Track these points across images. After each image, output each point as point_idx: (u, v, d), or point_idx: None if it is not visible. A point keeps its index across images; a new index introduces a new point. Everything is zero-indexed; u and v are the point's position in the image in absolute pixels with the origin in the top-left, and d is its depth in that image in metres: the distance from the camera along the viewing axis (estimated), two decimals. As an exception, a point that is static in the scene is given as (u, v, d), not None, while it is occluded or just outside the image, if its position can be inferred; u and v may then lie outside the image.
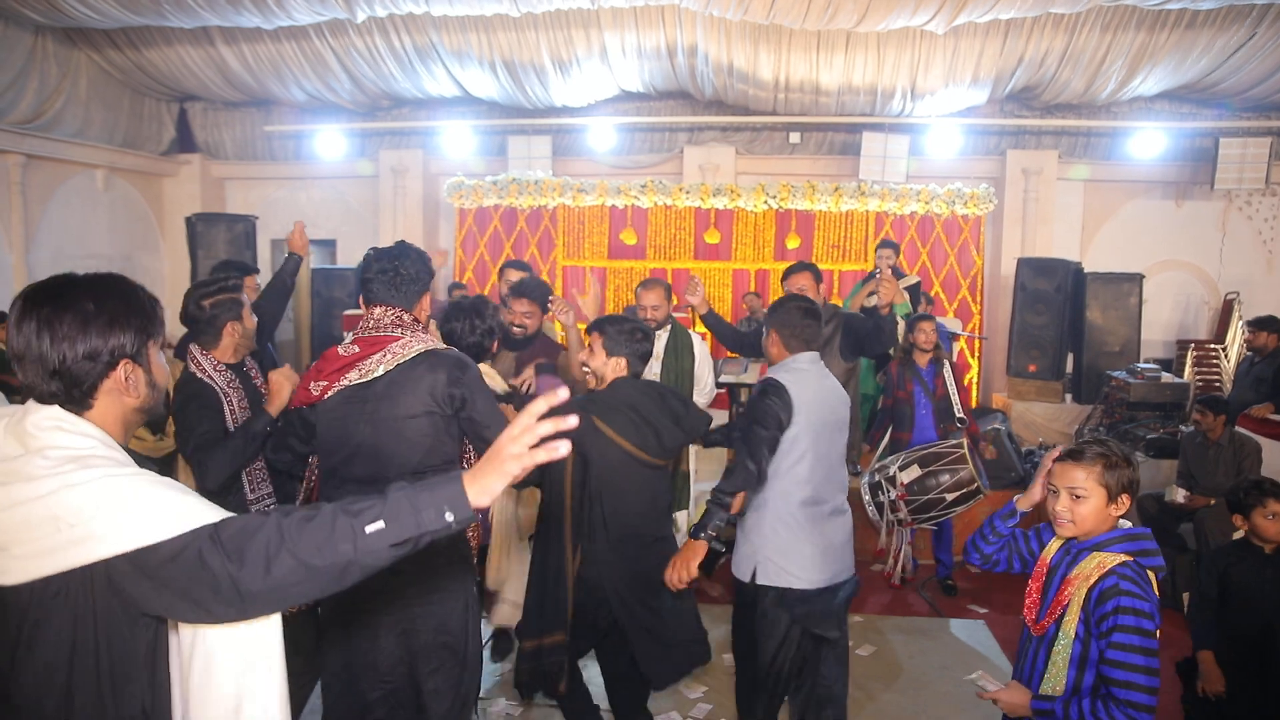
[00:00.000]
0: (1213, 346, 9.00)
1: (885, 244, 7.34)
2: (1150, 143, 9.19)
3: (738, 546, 3.27)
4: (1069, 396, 8.31)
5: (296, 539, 1.35)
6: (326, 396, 2.58)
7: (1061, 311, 8.18)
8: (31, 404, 1.46)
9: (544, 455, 1.39)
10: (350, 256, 10.42)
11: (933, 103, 9.10)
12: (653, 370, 4.53)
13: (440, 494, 1.39)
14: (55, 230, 9.13)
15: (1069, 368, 8.40)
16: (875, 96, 9.05)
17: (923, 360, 5.55)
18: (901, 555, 5.65)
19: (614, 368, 3.14)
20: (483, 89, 9.56)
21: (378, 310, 2.63)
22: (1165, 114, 9.34)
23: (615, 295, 9.32)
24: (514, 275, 4.86)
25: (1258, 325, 6.64)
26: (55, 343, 1.43)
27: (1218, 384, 8.63)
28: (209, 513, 1.40)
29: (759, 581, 3.14)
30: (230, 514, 1.42)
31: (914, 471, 5.14)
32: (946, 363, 5.61)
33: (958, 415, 5.48)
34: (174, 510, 1.37)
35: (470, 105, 9.99)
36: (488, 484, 1.40)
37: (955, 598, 5.57)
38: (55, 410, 1.45)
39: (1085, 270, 8.37)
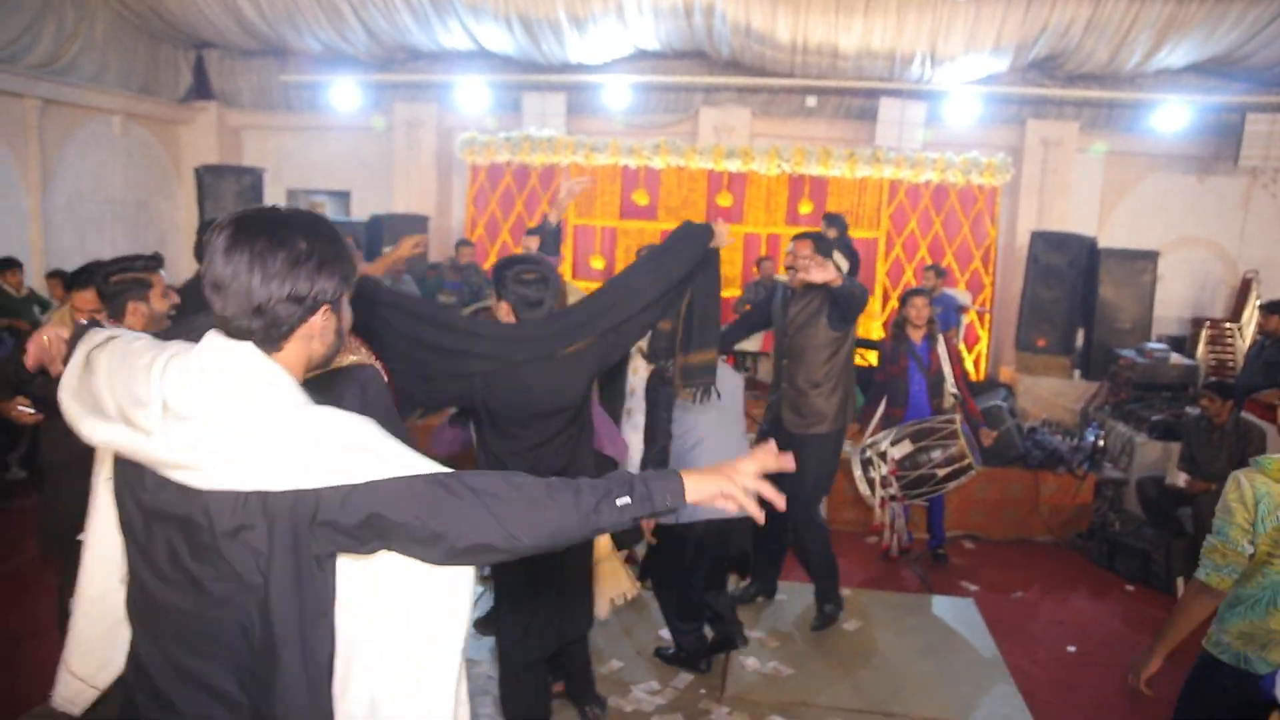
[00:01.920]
0: (1228, 325, 8.91)
1: (831, 219, 7.27)
2: (1174, 116, 9.01)
3: None
4: (1077, 373, 8.27)
5: (532, 499, 1.42)
6: None
7: (1074, 287, 8.12)
8: (217, 338, 1.41)
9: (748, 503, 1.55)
10: (364, 209, 10.45)
11: (952, 69, 8.95)
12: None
13: (670, 482, 1.50)
14: (72, 175, 9.20)
15: (1079, 343, 8.36)
16: (894, 61, 8.91)
17: (917, 335, 5.49)
18: (896, 528, 5.69)
19: (504, 312, 3.01)
20: (498, 43, 9.47)
21: None
22: (1191, 87, 9.14)
23: (625, 256, 9.31)
24: (532, 243, 4.83)
25: (1270, 309, 6.58)
26: (265, 280, 1.37)
27: (1231, 364, 8.56)
28: (428, 464, 1.42)
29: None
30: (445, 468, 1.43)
31: (905, 447, 5.17)
32: (941, 337, 5.56)
33: (951, 391, 5.45)
34: (397, 454, 1.39)
35: (485, 60, 9.91)
36: (702, 487, 1.52)
37: (946, 572, 5.63)
38: (249, 347, 1.39)
39: (1100, 246, 8.28)
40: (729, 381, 4.08)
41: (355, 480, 1.34)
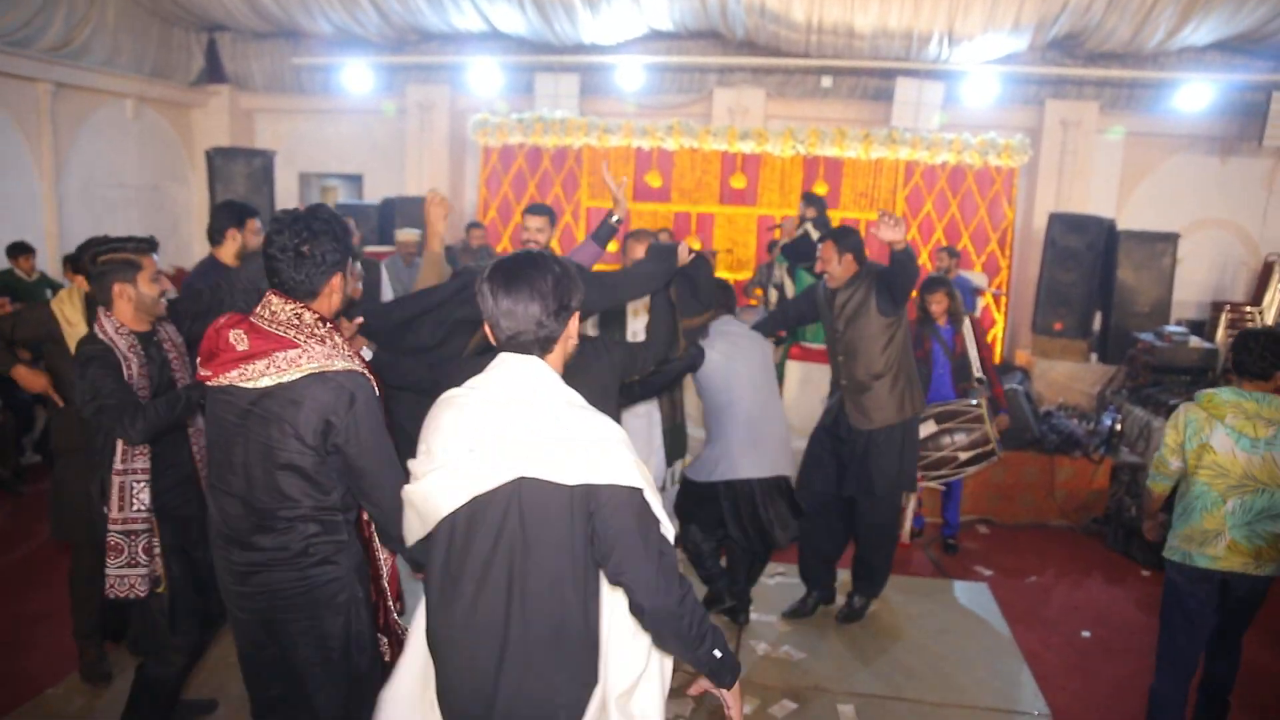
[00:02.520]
0: (1249, 309, 8.78)
1: (809, 199, 7.29)
2: (1196, 96, 8.85)
3: None
4: (1094, 356, 8.18)
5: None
6: (211, 384, 2.26)
7: (1092, 269, 8.01)
8: (511, 356, 1.86)
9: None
10: (376, 192, 10.43)
11: (970, 49, 8.82)
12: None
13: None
14: (85, 159, 9.21)
15: (1096, 327, 8.26)
16: (911, 41, 8.79)
17: (941, 319, 5.46)
18: (910, 510, 5.64)
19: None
20: (510, 24, 9.41)
21: (275, 301, 2.23)
22: (1216, 65, 8.97)
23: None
24: (531, 220, 4.80)
25: (1292, 292, 6.46)
26: (544, 307, 1.82)
27: (1251, 348, 8.42)
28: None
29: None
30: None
31: (930, 427, 5.12)
32: (968, 320, 5.51)
33: (976, 375, 5.40)
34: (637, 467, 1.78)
35: (498, 41, 9.85)
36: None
37: (959, 558, 5.59)
38: (537, 360, 1.85)
39: (1119, 228, 8.16)
40: (757, 346, 4.26)
41: (619, 482, 1.73)
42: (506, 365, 1.84)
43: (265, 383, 2.15)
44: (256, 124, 11.07)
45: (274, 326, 2.20)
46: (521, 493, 1.73)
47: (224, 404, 2.23)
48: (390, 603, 2.52)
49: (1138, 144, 9.53)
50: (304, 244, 2.20)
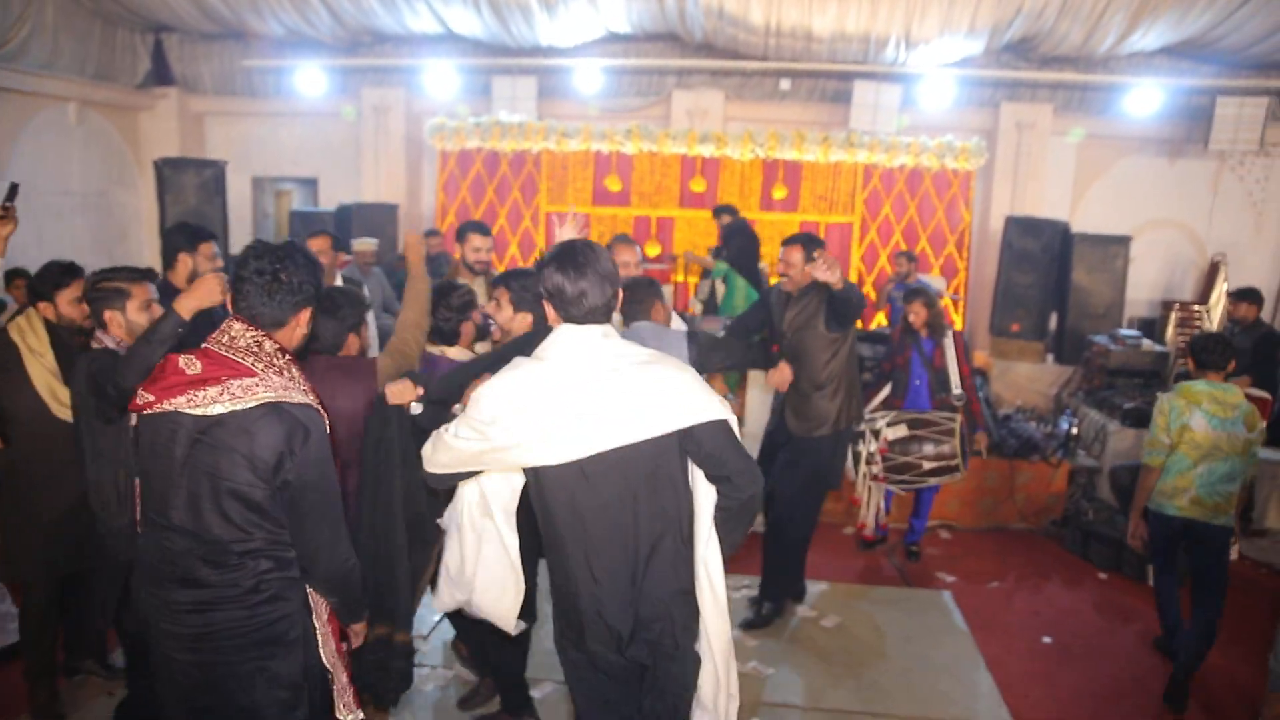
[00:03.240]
0: (1197, 308, 8.97)
1: (721, 209, 7.74)
2: (1146, 100, 9.00)
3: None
4: (1050, 357, 8.31)
5: None
6: (147, 413, 2.15)
7: (1048, 272, 8.13)
8: (582, 327, 2.20)
9: None
10: (331, 197, 10.24)
11: (927, 52, 8.88)
12: None
13: None
14: (27, 166, 8.89)
15: (1052, 327, 8.38)
16: (868, 44, 8.83)
17: (922, 330, 5.47)
18: (876, 507, 5.62)
19: (520, 323, 3.32)
20: (466, 26, 9.28)
21: (236, 326, 2.18)
22: (1164, 70, 9.13)
23: (599, 242, 9.19)
24: (476, 240, 4.75)
25: (1239, 296, 6.60)
26: (605, 287, 2.20)
27: (1200, 346, 8.60)
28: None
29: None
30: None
31: (901, 430, 5.16)
32: (950, 334, 5.52)
33: (955, 391, 5.42)
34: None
35: (454, 43, 9.71)
36: None
37: (922, 564, 5.63)
38: (607, 326, 2.24)
39: (1074, 231, 8.29)
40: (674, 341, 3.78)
41: (711, 418, 2.17)
42: (583, 334, 2.20)
43: (217, 410, 2.07)
44: (207, 127, 10.79)
45: (230, 352, 2.14)
46: (635, 445, 2.14)
47: (166, 432, 2.12)
48: (335, 640, 2.38)
49: (1091, 146, 9.68)
50: (282, 270, 2.19)
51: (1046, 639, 4.74)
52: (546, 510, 2.26)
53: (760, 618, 4.63)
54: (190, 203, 7.39)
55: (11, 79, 8.49)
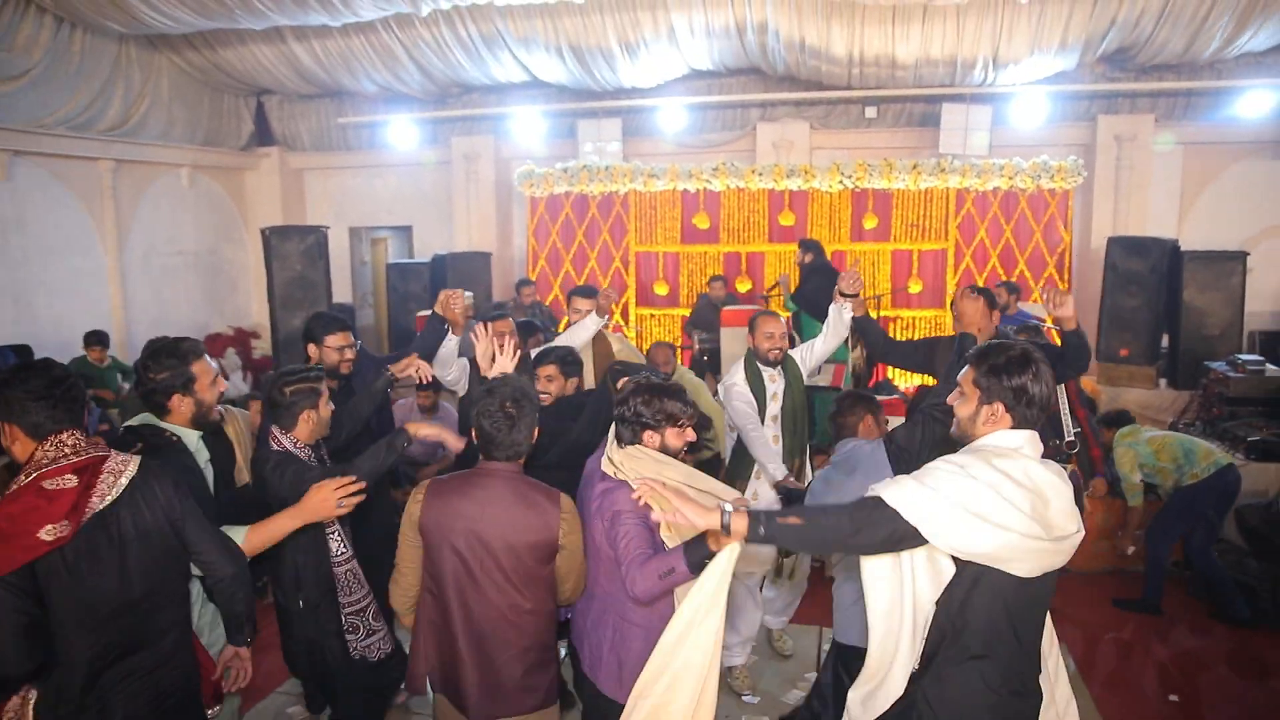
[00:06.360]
0: (1324, 318, 8.46)
1: (806, 244, 7.55)
2: (1258, 101, 8.55)
3: None
4: (1163, 381, 7.94)
5: None
6: (74, 537, 2.17)
7: (1156, 292, 7.77)
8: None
9: None
10: (425, 245, 10.57)
11: (1017, 71, 8.64)
12: (771, 412, 4.29)
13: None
14: (145, 230, 9.48)
15: (1164, 350, 8.01)
16: (955, 67, 8.64)
17: None
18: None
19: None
20: (550, 74, 9.47)
21: (64, 436, 2.26)
22: (1276, 70, 8.66)
23: (689, 281, 9.24)
24: (582, 304, 4.78)
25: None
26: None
27: (1331, 361, 8.11)
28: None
29: None
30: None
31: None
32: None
33: (1068, 437, 5.16)
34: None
35: (539, 89, 9.92)
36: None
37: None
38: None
39: (1183, 246, 7.91)
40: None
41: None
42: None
43: (116, 491, 2.26)
44: (306, 182, 11.29)
45: (72, 457, 2.24)
46: None
47: (95, 541, 2.22)
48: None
49: (1198, 153, 9.24)
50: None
51: (1173, 697, 4.53)
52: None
53: None
54: (296, 268, 7.66)
55: (134, 151, 9.09)
